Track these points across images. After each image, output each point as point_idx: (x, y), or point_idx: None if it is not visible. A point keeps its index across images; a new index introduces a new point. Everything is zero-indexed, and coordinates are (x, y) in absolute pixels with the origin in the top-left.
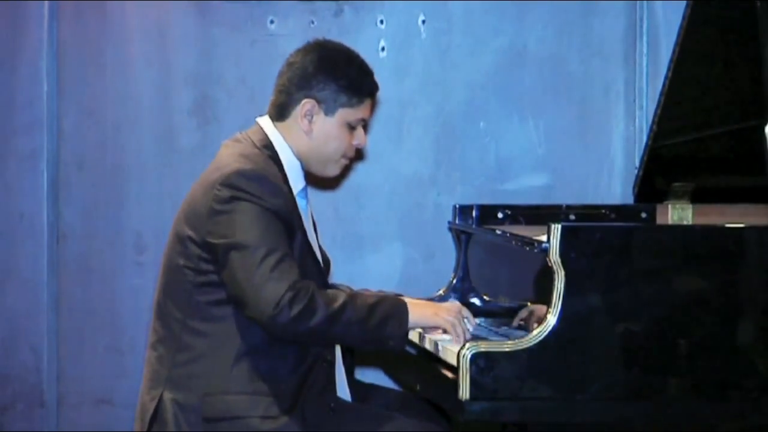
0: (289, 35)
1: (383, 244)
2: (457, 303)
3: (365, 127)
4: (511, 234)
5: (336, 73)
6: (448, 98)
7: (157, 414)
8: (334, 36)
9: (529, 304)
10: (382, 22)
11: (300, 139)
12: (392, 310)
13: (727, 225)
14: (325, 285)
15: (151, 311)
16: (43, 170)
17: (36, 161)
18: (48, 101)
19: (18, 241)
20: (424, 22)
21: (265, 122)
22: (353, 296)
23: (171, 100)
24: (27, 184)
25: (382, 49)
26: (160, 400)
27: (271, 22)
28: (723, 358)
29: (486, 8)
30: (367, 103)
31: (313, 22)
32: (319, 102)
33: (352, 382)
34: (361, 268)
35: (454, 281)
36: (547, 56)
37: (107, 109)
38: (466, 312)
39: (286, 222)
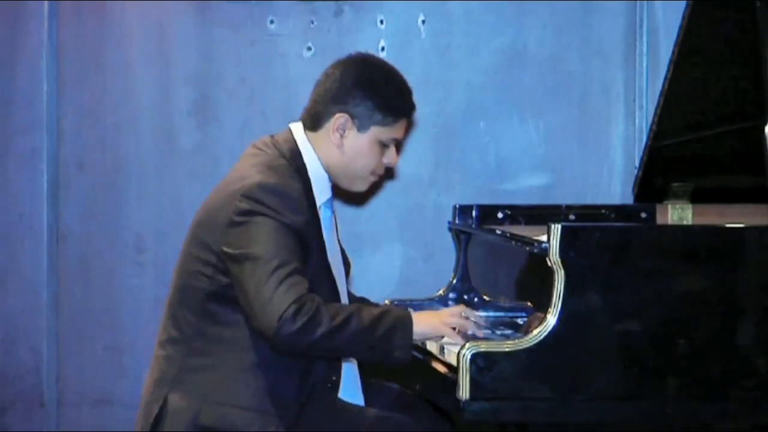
0: (288, 35)
1: (383, 244)
2: (459, 306)
3: (398, 146)
4: (511, 234)
5: (373, 91)
6: (448, 98)
7: (160, 416)
8: (334, 36)
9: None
10: (381, 22)
11: (330, 151)
12: (397, 321)
13: (727, 225)
14: (338, 300)
15: (151, 311)
16: (43, 170)
17: (35, 161)
18: (48, 101)
19: (18, 242)
20: (423, 22)
21: (297, 129)
22: (359, 309)
23: (171, 100)
24: (26, 185)
25: (382, 49)
26: (165, 401)
27: (271, 22)
28: (722, 358)
29: (486, 8)
30: (402, 123)
31: (313, 22)
32: (353, 117)
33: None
34: (361, 268)
35: (454, 281)
36: (546, 56)
37: (107, 109)
38: (468, 311)
39: (303, 240)
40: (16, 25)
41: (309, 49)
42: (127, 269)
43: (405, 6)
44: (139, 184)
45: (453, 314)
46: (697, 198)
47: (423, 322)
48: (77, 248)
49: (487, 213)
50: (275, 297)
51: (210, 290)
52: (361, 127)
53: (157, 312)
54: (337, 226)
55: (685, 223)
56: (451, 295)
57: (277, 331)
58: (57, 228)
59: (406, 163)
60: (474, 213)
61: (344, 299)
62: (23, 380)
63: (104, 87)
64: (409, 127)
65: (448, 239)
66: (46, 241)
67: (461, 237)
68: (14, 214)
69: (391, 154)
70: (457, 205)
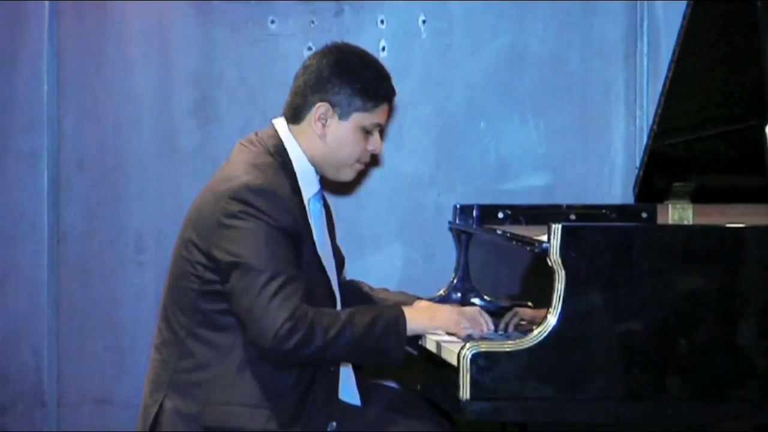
0: (289, 35)
1: (384, 244)
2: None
3: (381, 133)
4: (512, 234)
5: (351, 77)
6: (449, 98)
7: (158, 419)
8: (335, 36)
9: (520, 308)
10: (382, 22)
11: (314, 142)
12: (390, 324)
13: (728, 225)
14: (332, 295)
15: (151, 311)
16: (44, 170)
17: (36, 161)
18: (48, 101)
19: (18, 241)
20: (424, 22)
21: (280, 124)
22: (353, 315)
23: (171, 100)
24: (27, 184)
25: (383, 49)
26: (162, 405)
27: (272, 22)
28: (723, 358)
29: (486, 8)
30: (383, 108)
31: (313, 22)
32: (333, 105)
33: (357, 382)
34: (361, 268)
35: (455, 281)
36: (547, 56)
37: (107, 109)
38: (478, 318)
39: (294, 237)
40: (16, 24)
41: (309, 49)
42: (128, 269)
43: (405, 6)
44: (140, 184)
45: (465, 313)
46: (698, 198)
47: (416, 321)
48: (78, 248)
49: (487, 213)
50: (269, 313)
51: (201, 291)
52: (343, 115)
53: (157, 311)
54: (333, 221)
55: (685, 223)
56: (452, 296)
57: (271, 347)
58: (58, 228)
59: (407, 163)
60: (474, 213)
61: (337, 294)
62: (24, 380)
63: (105, 87)
64: (391, 112)
65: (449, 239)
66: (47, 240)
67: (462, 237)
68: (15, 213)
69: (375, 140)
70: (458, 205)
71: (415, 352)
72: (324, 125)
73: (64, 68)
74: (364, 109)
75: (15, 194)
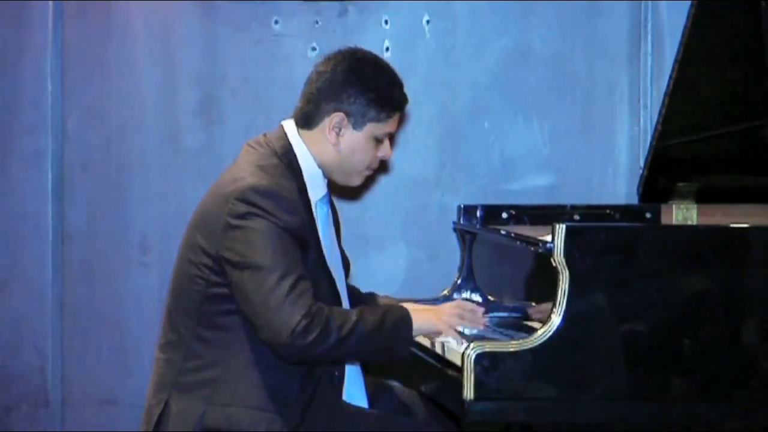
0: (293, 35)
1: (388, 245)
2: (456, 301)
3: (391, 139)
4: (516, 234)
5: (366, 86)
6: (453, 98)
7: (162, 419)
8: (339, 36)
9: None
10: (386, 22)
11: (326, 150)
12: (398, 322)
13: (732, 225)
14: (337, 297)
15: (155, 311)
16: (48, 171)
17: (40, 162)
18: (52, 101)
19: (22, 242)
20: (428, 22)
21: (290, 128)
22: (362, 313)
23: (175, 101)
24: (31, 185)
25: (387, 49)
26: (166, 405)
27: (276, 22)
28: (727, 358)
29: (490, 8)
30: (396, 116)
31: (317, 22)
32: (348, 115)
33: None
34: (365, 268)
35: (459, 281)
36: (551, 56)
37: (112, 109)
38: (469, 305)
39: (300, 239)
40: (20, 24)
41: (313, 49)
42: (132, 269)
43: (410, 6)
44: (144, 185)
45: (452, 314)
46: (701, 198)
47: (421, 319)
48: (82, 248)
49: (491, 213)
50: (284, 311)
51: (206, 293)
52: (357, 125)
53: (161, 312)
54: (340, 225)
55: (689, 223)
56: (455, 296)
57: (287, 344)
58: (62, 228)
59: (411, 164)
60: (478, 213)
61: (343, 296)
62: (28, 380)
63: (109, 87)
64: (402, 119)
65: (453, 239)
66: (51, 241)
67: (466, 237)
68: (19, 214)
69: (385, 147)
70: (462, 206)
71: (419, 353)
72: (338, 134)
73: (68, 68)
74: (377, 120)
75: (19, 194)
